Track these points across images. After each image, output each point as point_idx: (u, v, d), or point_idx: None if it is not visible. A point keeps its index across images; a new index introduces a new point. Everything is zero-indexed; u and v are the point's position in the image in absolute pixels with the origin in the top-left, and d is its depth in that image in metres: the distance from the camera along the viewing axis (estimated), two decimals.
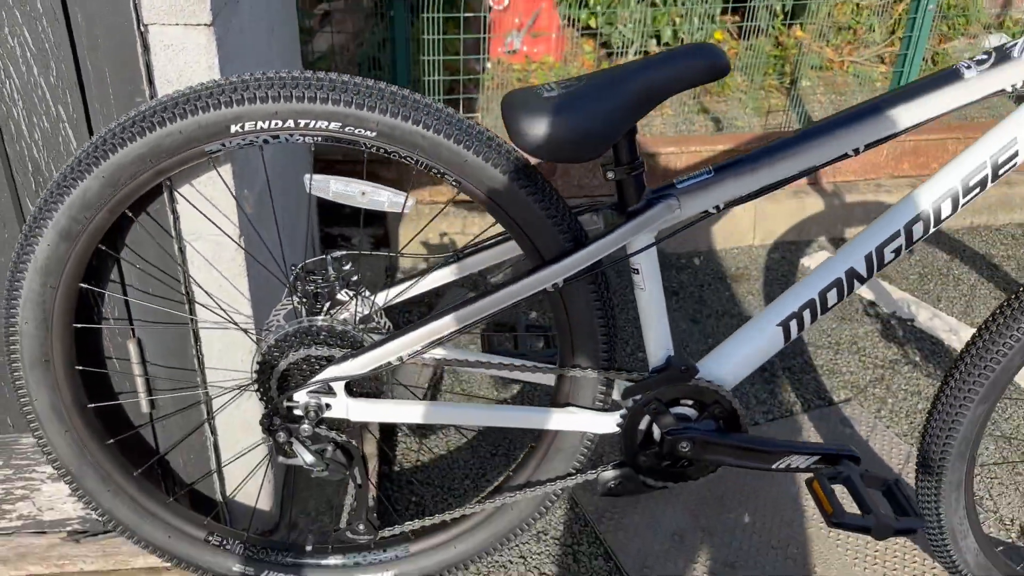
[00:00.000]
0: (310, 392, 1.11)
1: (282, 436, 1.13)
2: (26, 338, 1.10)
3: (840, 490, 1.13)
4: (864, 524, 1.08)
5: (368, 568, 1.33)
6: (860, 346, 2.20)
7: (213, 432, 1.31)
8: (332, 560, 1.33)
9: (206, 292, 1.19)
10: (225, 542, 1.30)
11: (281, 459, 1.16)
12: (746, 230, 2.67)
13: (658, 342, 1.19)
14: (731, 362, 1.21)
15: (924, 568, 1.57)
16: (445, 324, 1.10)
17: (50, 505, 1.37)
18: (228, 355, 1.24)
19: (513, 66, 4.01)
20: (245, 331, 1.20)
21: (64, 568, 1.35)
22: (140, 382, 1.25)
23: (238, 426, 1.31)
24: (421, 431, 1.82)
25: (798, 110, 3.46)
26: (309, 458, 1.14)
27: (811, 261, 2.58)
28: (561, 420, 1.21)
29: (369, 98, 1.00)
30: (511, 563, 1.53)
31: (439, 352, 1.16)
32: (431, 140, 1.02)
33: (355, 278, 1.16)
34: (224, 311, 1.20)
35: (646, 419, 1.20)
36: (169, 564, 1.29)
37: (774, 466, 1.19)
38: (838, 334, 2.24)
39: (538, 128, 1.00)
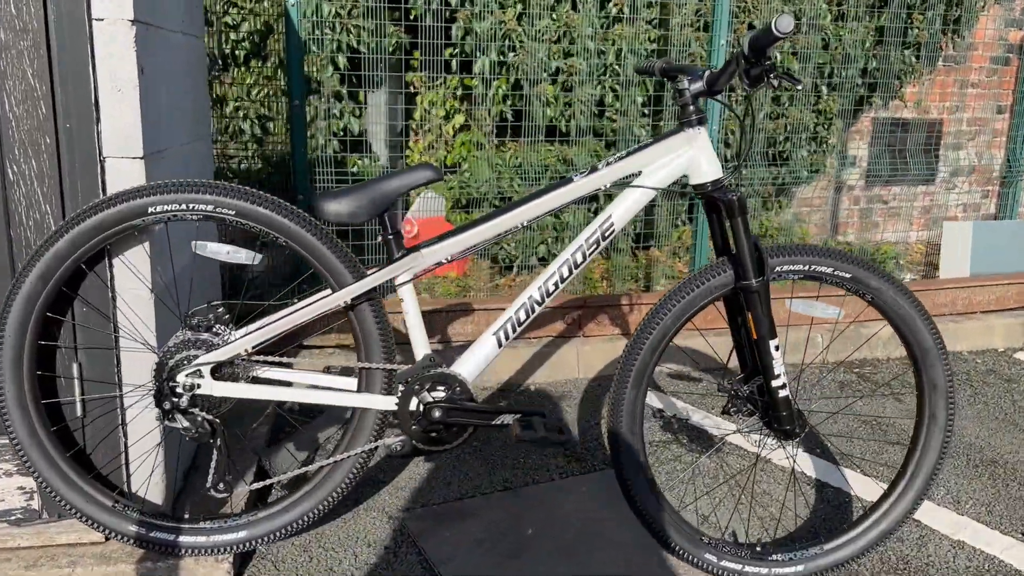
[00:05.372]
0: (187, 375, 1.76)
1: (167, 406, 1.75)
2: (7, 346, 1.74)
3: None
4: (534, 438, 1.72)
5: (227, 530, 1.88)
6: None
7: (125, 433, 1.91)
8: (203, 524, 1.88)
9: (141, 318, 1.85)
10: (126, 509, 1.85)
11: (167, 423, 1.76)
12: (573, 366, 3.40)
13: (419, 345, 1.87)
14: (470, 362, 1.89)
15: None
16: (271, 329, 1.78)
17: (1, 497, 1.91)
18: (136, 373, 1.88)
19: (422, 280, 4.92)
20: (152, 349, 1.85)
21: (6, 544, 1.87)
22: (77, 392, 1.86)
23: (142, 431, 1.91)
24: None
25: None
26: (185, 424, 1.76)
27: None
28: (360, 400, 1.86)
29: (229, 191, 1.75)
30: (353, 557, 2.07)
31: (269, 367, 1.83)
32: (267, 216, 1.77)
33: (226, 316, 1.85)
34: (140, 339, 1.86)
35: (413, 399, 1.85)
36: (86, 523, 1.83)
37: (494, 422, 1.83)
38: None
39: (331, 208, 1.76)
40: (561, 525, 2.26)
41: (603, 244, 1.87)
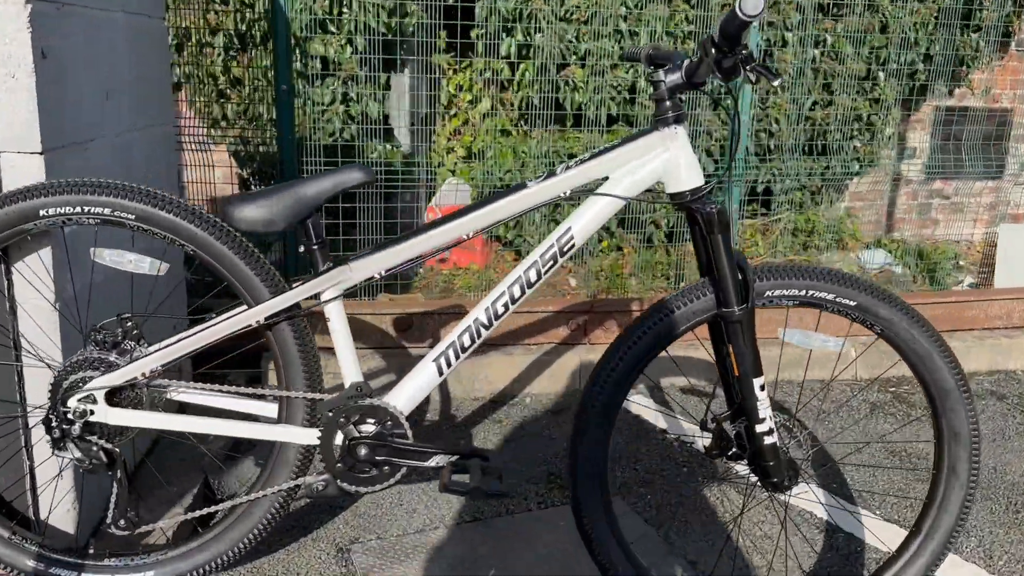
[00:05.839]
0: (79, 399, 1.56)
1: (57, 433, 1.56)
2: None
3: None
4: (464, 489, 1.47)
5: (133, 569, 1.69)
6: (638, 458, 2.59)
7: (30, 457, 1.73)
8: (107, 562, 1.69)
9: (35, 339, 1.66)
10: (24, 542, 1.67)
11: (57, 453, 1.57)
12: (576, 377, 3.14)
13: (348, 372, 1.64)
14: (405, 392, 1.65)
15: None
16: (174, 350, 1.57)
17: None
18: (41, 392, 1.69)
19: (442, 271, 4.73)
20: (48, 365, 1.66)
21: None
22: None
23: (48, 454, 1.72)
24: None
25: None
26: (77, 454, 1.56)
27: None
28: (276, 433, 1.64)
29: (130, 192, 1.54)
30: None
31: (176, 390, 1.62)
32: (172, 221, 1.55)
33: (136, 331, 1.65)
34: (40, 354, 1.67)
35: (338, 433, 1.63)
36: None
37: (427, 463, 1.60)
38: (624, 449, 2.63)
39: (241, 214, 1.53)
40: (532, 564, 2.02)
41: (561, 260, 1.61)
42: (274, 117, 4.73)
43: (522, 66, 4.39)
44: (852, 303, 1.61)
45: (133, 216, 1.54)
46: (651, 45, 1.75)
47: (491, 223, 1.60)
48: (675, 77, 1.54)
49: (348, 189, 1.57)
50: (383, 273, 1.62)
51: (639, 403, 3.02)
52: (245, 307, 1.61)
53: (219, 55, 4.69)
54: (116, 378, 1.56)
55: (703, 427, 1.76)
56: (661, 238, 4.60)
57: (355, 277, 1.61)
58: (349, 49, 4.64)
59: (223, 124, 4.81)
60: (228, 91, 4.78)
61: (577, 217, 1.61)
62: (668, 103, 1.56)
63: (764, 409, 1.61)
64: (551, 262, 1.61)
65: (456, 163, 4.68)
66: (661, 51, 1.64)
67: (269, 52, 4.73)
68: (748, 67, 1.35)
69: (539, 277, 1.61)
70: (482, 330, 1.63)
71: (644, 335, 1.64)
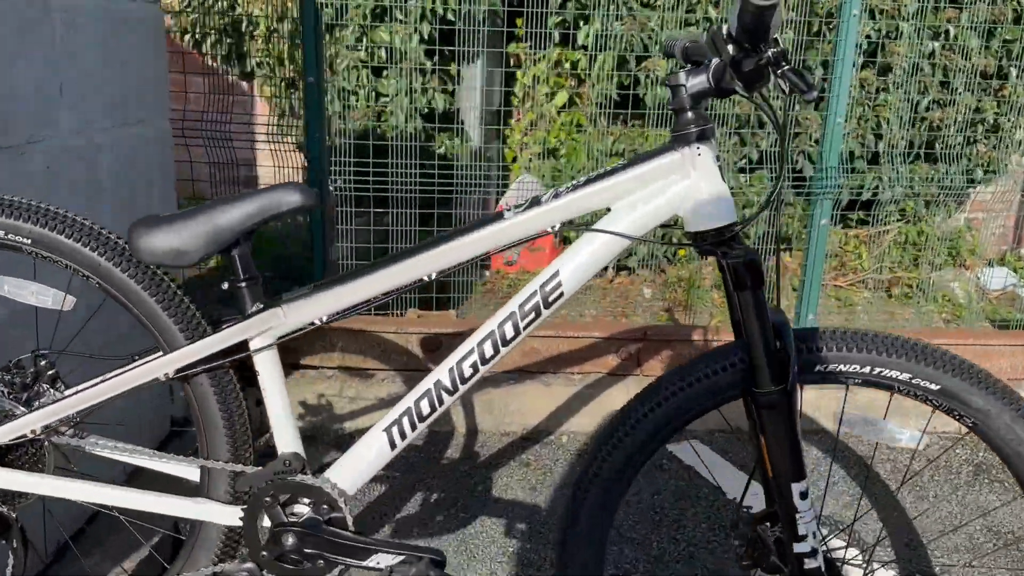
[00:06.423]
0: None
1: None
2: None
3: None
4: None
5: None
6: (682, 523, 2.20)
7: None
8: None
9: None
10: None
11: None
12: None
13: (283, 438, 1.34)
14: (348, 469, 1.34)
15: None
16: (75, 402, 1.30)
17: None
18: None
19: (508, 275, 4.45)
20: None
21: None
22: None
23: None
24: None
25: None
26: None
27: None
28: (192, 509, 1.35)
29: (27, 212, 1.28)
30: None
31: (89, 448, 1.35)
32: (71, 247, 1.28)
33: (51, 372, 1.39)
34: None
35: (263, 515, 1.32)
36: None
37: (366, 562, 1.28)
38: (667, 511, 2.25)
39: (147, 243, 1.24)
40: None
41: (545, 313, 1.26)
42: (338, 110, 4.49)
43: (600, 57, 4.03)
44: (935, 387, 1.20)
45: (29, 240, 1.28)
46: (689, 37, 1.36)
47: (460, 261, 1.26)
48: (699, 81, 1.16)
49: (280, 215, 1.27)
50: (323, 319, 1.30)
51: (693, 452, 2.62)
52: (160, 354, 1.33)
53: (286, 43, 4.52)
54: (2, 434, 1.31)
55: (733, 528, 1.37)
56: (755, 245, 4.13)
57: (289, 322, 1.30)
58: (416, 39, 4.37)
59: (288, 117, 4.63)
60: (297, 80, 4.61)
61: (568, 258, 1.25)
62: (690, 114, 1.18)
63: (806, 524, 1.21)
64: (532, 314, 1.26)
65: (531, 159, 4.39)
66: (699, 45, 1.26)
67: (332, 41, 4.51)
68: (778, 72, 0.97)
69: (517, 333, 1.26)
70: (444, 395, 1.29)
71: (651, 413, 1.27)
